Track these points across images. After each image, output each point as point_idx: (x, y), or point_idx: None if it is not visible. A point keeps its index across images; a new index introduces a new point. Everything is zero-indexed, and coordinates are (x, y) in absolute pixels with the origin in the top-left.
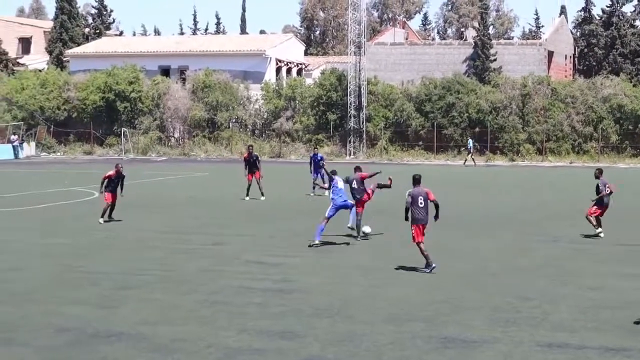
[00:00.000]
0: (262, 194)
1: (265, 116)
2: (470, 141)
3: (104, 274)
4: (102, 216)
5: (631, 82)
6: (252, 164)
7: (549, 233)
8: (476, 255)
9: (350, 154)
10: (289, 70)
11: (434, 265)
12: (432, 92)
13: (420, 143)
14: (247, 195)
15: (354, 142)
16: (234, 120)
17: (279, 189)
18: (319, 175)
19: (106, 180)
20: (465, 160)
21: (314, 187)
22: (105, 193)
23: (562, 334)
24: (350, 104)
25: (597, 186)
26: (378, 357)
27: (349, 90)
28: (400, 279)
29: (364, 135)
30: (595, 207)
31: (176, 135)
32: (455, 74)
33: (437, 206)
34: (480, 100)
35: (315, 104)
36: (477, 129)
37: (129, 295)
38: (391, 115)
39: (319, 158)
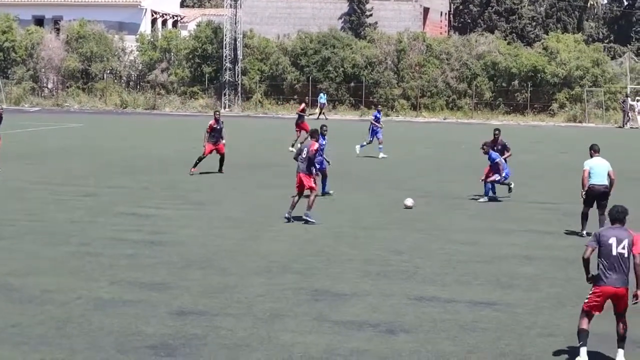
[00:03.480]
0: (221, 169)
1: (140, 68)
2: (322, 95)
3: None
4: None
5: (506, 39)
6: (218, 132)
7: (422, 188)
8: (349, 209)
9: (225, 107)
10: (164, 22)
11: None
12: (308, 46)
13: (296, 97)
14: (195, 167)
15: (229, 95)
16: (108, 71)
17: (153, 141)
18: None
19: None
20: (314, 114)
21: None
22: None
23: (432, 288)
24: (226, 57)
25: (504, 146)
26: (249, 309)
27: (224, 43)
28: (273, 232)
29: (239, 89)
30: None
31: (49, 86)
32: (331, 28)
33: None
34: (356, 55)
35: (190, 56)
36: (352, 84)
37: None
38: (267, 69)
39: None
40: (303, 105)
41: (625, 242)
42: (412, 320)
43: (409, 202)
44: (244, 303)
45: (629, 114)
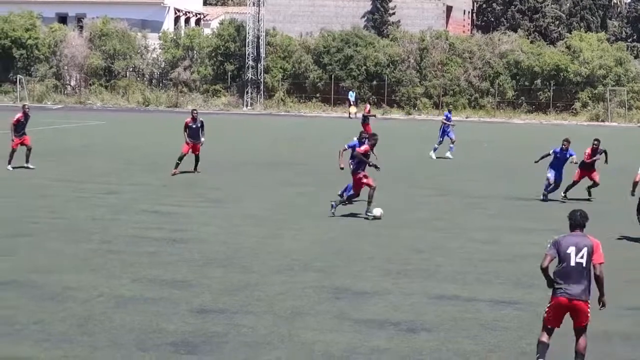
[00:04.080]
0: (196, 168)
1: (162, 66)
2: (352, 93)
3: None
4: (9, 163)
5: (528, 38)
6: (194, 131)
7: (442, 187)
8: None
9: (247, 105)
10: (187, 20)
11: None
12: (331, 44)
13: (318, 95)
14: (176, 168)
15: (251, 94)
16: (131, 69)
17: (174, 139)
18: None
19: (14, 126)
20: (349, 114)
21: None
22: (15, 139)
23: (453, 286)
24: (249, 55)
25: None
26: (270, 307)
27: (247, 41)
28: (294, 231)
29: (262, 87)
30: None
31: (72, 83)
32: (354, 26)
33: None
34: (378, 54)
35: (213, 54)
36: (374, 82)
37: (21, 243)
38: (289, 67)
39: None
40: (368, 106)
41: (585, 251)
42: (432, 319)
43: (377, 212)
44: (264, 301)
45: None
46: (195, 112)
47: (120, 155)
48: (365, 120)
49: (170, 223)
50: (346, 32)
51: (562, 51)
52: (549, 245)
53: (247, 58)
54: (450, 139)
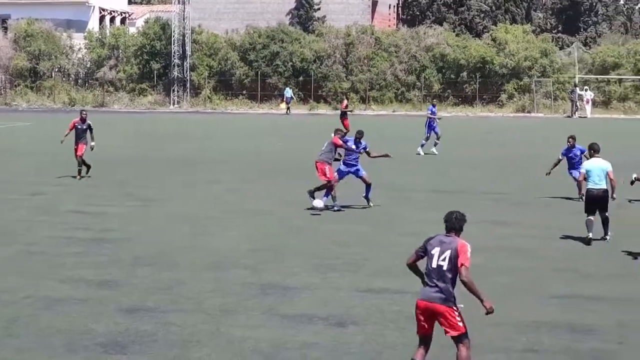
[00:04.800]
0: (81, 172)
1: (88, 65)
2: (288, 90)
3: None
4: None
5: (454, 31)
6: (81, 132)
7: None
8: (298, 203)
9: (174, 103)
10: (112, 19)
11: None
12: (257, 41)
13: (244, 92)
14: (79, 173)
15: (177, 92)
16: (56, 69)
17: (101, 139)
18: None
19: None
20: (288, 109)
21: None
22: None
23: (381, 280)
24: (174, 53)
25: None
26: (198, 305)
27: (173, 40)
28: (222, 228)
29: (188, 85)
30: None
31: None
32: (280, 23)
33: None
34: (305, 49)
35: (138, 53)
36: (301, 78)
37: None
38: (215, 65)
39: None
40: (345, 102)
41: (447, 254)
42: (360, 313)
43: (317, 203)
44: (193, 299)
45: (577, 103)
46: (84, 113)
47: (46, 156)
48: (343, 115)
49: (98, 223)
50: (272, 29)
51: (488, 44)
52: (421, 244)
53: (173, 56)
54: (436, 134)
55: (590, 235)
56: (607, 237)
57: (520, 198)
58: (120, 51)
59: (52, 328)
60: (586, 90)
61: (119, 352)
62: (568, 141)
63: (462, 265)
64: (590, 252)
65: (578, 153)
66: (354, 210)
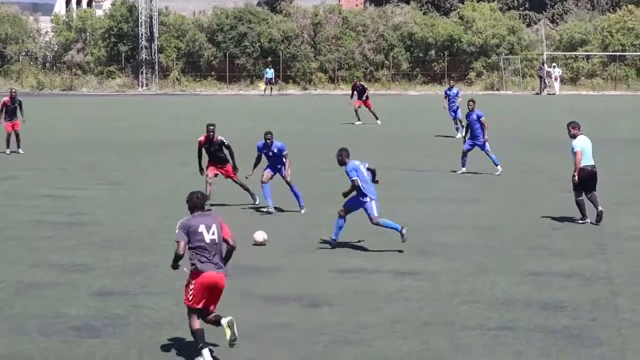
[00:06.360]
0: (19, 146)
1: (55, 49)
2: (268, 71)
3: None
4: None
5: (421, 10)
6: (12, 110)
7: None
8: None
9: (142, 86)
10: (79, 2)
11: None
12: (224, 22)
13: (213, 73)
14: (8, 147)
15: (146, 74)
16: (23, 53)
17: (70, 122)
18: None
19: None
20: (265, 90)
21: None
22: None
23: (354, 260)
24: (142, 35)
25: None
26: (170, 287)
27: (140, 22)
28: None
29: (156, 67)
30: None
31: None
32: (247, 4)
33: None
34: (272, 30)
35: (106, 35)
36: (269, 59)
37: None
38: (183, 46)
39: None
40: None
41: (214, 228)
42: (334, 293)
43: (259, 236)
44: (165, 282)
45: (546, 80)
46: (14, 91)
47: (13, 140)
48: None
49: (68, 207)
50: (239, 10)
51: (455, 22)
52: (177, 231)
53: (141, 38)
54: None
55: (588, 219)
56: (601, 209)
57: (489, 176)
58: (88, 34)
59: (25, 313)
60: (554, 67)
61: (92, 335)
62: (468, 105)
63: (229, 235)
64: (561, 229)
65: (475, 117)
66: (321, 191)
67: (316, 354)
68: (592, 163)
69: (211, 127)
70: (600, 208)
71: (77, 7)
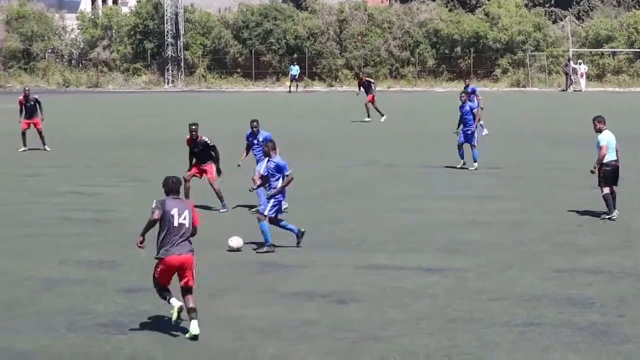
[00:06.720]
0: (44, 143)
1: (81, 46)
2: (293, 67)
3: None
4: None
5: (447, 6)
6: (29, 109)
7: (360, 157)
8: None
9: (168, 83)
10: (104, 0)
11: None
12: (250, 19)
13: (239, 70)
14: (24, 145)
15: (172, 71)
16: (50, 50)
17: (96, 120)
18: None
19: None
20: (290, 87)
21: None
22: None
23: (379, 256)
24: (168, 32)
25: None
26: (196, 284)
27: (165, 19)
28: (218, 206)
29: (182, 64)
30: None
31: None
32: (273, 0)
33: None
34: (298, 27)
35: (131, 32)
36: (295, 55)
37: None
38: (209, 43)
39: None
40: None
41: (186, 213)
42: (360, 290)
43: (234, 242)
44: None
45: (572, 77)
46: (27, 90)
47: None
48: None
49: (94, 204)
50: (265, 6)
51: (481, 18)
52: (154, 204)
53: (166, 35)
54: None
55: (615, 212)
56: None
57: (516, 172)
58: (113, 31)
59: (53, 309)
60: (580, 63)
61: (120, 332)
62: (461, 97)
63: (198, 221)
64: (588, 225)
65: (467, 109)
66: (347, 187)
67: (342, 350)
68: (616, 158)
69: (193, 127)
70: (616, 212)
71: (102, 5)
